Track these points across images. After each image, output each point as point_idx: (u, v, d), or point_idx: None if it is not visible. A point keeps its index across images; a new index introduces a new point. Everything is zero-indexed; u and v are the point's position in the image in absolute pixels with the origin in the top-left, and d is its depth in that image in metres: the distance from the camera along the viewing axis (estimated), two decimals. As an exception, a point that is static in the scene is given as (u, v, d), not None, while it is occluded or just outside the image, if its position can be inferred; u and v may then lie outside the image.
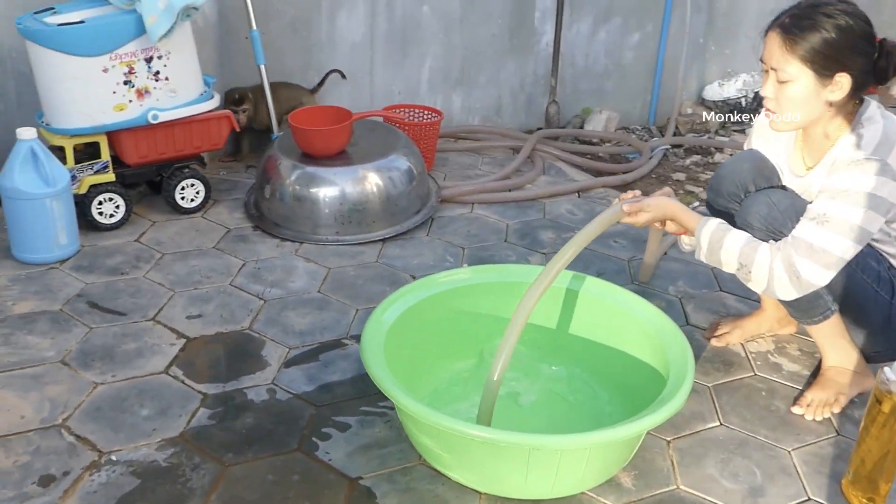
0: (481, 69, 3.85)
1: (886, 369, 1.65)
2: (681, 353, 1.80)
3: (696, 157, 3.83)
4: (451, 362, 2.06)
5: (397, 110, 3.37)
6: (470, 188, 3.16)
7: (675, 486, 1.77)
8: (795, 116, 1.86)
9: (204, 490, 1.69)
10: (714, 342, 2.28)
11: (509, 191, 3.22)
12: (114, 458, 1.76)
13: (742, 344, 2.29)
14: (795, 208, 1.88)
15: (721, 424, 1.97)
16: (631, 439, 1.66)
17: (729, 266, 1.87)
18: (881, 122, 1.83)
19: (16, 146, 2.47)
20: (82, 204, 2.70)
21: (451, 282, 2.02)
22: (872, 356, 2.07)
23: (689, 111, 4.18)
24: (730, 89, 4.33)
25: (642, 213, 1.91)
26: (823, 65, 1.78)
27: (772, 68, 1.84)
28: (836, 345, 2.05)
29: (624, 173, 3.46)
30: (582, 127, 4.01)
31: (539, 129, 3.95)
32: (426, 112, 3.40)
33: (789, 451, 1.89)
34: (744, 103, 4.22)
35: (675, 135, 4.03)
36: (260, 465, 1.77)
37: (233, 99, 3.22)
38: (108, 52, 2.57)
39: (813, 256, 1.77)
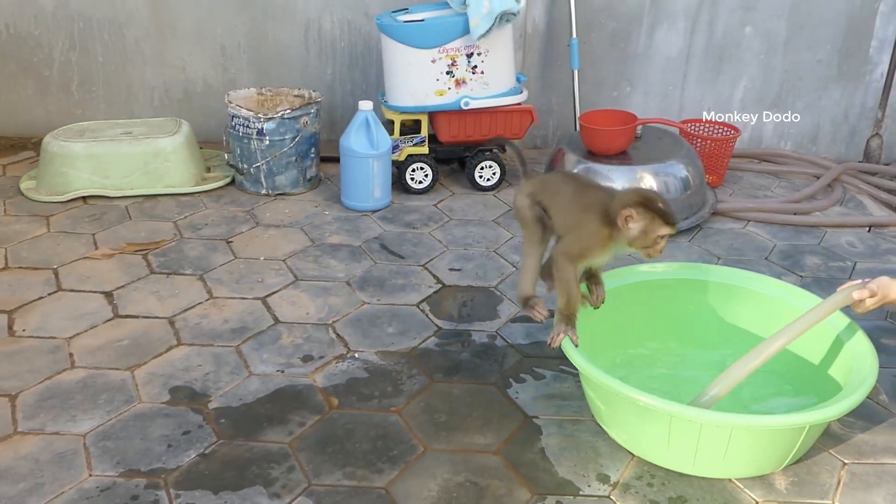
0: (800, 94, 3.80)
1: None
2: (869, 369, 1.81)
3: None
4: (633, 345, 2.23)
5: (691, 124, 3.50)
6: (746, 205, 3.20)
7: (829, 502, 1.79)
8: None
9: (411, 393, 2.10)
10: None
11: (794, 214, 3.20)
12: (356, 355, 2.25)
13: None
14: None
15: (914, 464, 1.91)
16: (779, 434, 1.72)
17: None
18: None
19: (356, 115, 3.12)
20: (400, 169, 3.29)
21: (651, 273, 2.20)
22: None
23: None
24: None
25: (870, 299, 1.91)
26: None
27: None
28: None
29: (936, 217, 3.22)
30: (908, 166, 3.75)
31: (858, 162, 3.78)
32: (722, 128, 3.49)
33: (983, 508, 1.78)
34: None
35: None
36: (459, 387, 2.14)
37: None
38: (437, 45, 3.12)
39: None
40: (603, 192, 2.01)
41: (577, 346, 1.90)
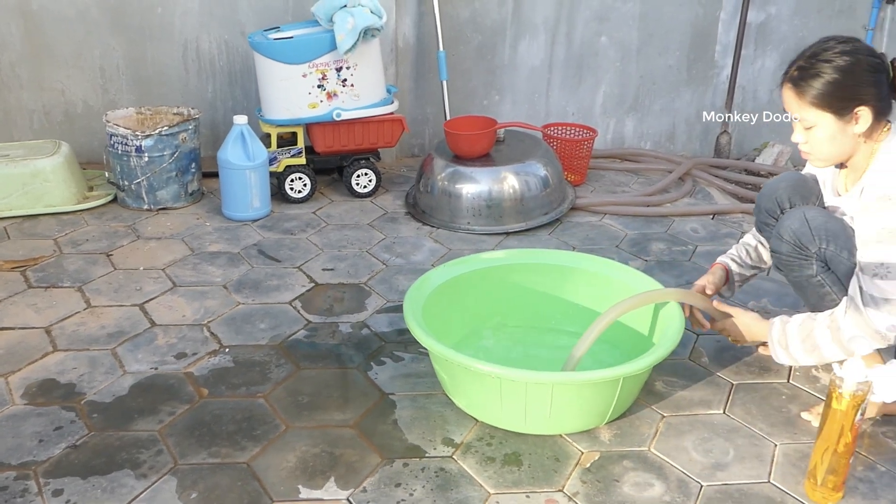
0: (656, 97, 4.14)
1: (836, 366, 1.81)
2: (675, 329, 2.08)
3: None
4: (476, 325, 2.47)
5: (553, 127, 3.79)
6: (602, 199, 3.50)
7: (645, 448, 2.04)
8: (829, 153, 2.03)
9: (277, 380, 2.28)
10: (761, 349, 2.44)
11: (646, 206, 3.51)
12: (227, 350, 2.42)
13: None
14: (827, 228, 2.05)
15: (723, 413, 2.18)
16: (596, 388, 1.97)
17: (808, 363, 2.11)
18: None
19: (232, 129, 3.29)
20: (279, 180, 3.47)
21: (491, 259, 2.46)
22: None
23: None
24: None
25: (721, 323, 2.27)
26: (838, 105, 1.94)
27: (795, 118, 2.02)
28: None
29: (773, 203, 3.57)
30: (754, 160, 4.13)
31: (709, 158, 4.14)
32: (580, 130, 3.79)
33: (776, 444, 2.06)
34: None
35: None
36: (324, 372, 2.32)
37: None
38: (307, 61, 3.32)
39: (885, 307, 1.91)
40: None
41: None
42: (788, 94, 2.01)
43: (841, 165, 2.14)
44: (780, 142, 4.10)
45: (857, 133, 1.98)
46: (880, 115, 1.99)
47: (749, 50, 4.06)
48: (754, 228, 2.41)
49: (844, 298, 2.01)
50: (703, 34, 4.06)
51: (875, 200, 1.93)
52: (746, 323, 2.23)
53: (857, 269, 1.98)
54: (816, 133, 2.00)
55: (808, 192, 2.23)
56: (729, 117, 4.09)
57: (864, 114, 1.96)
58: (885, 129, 2.02)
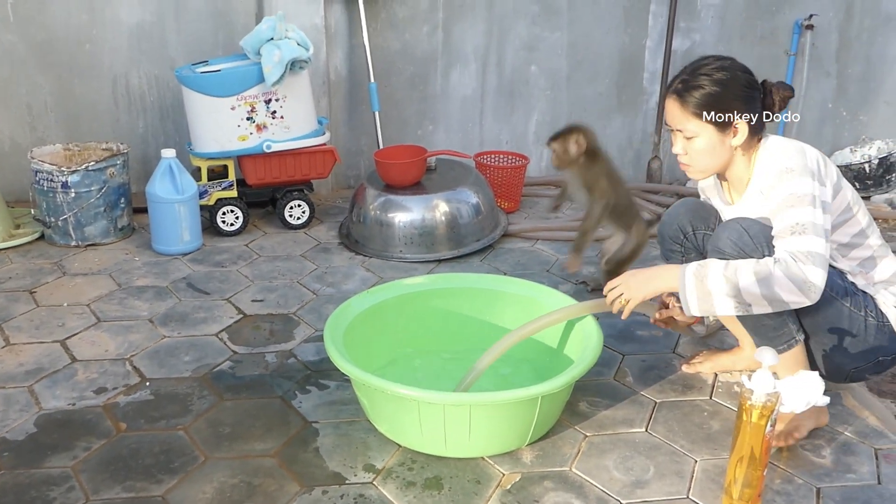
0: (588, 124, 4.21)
1: (744, 377, 1.85)
2: (593, 347, 2.11)
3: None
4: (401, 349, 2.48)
5: (485, 156, 3.84)
6: (535, 225, 3.54)
7: (567, 468, 2.05)
8: (708, 164, 2.11)
9: (199, 412, 2.25)
10: (685, 368, 2.48)
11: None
12: (148, 383, 2.39)
13: (716, 374, 2.47)
14: (764, 233, 2.04)
15: (645, 431, 2.21)
16: (514, 407, 1.98)
17: (725, 307, 1.97)
18: (786, 141, 2.08)
19: (160, 162, 3.27)
20: (211, 213, 3.46)
21: (413, 285, 2.49)
22: (852, 373, 2.17)
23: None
24: (862, 155, 4.32)
25: (624, 297, 2.11)
26: (717, 116, 2.03)
27: (678, 129, 2.10)
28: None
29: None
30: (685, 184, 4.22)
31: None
32: (513, 157, 3.84)
33: (696, 461, 2.09)
34: (868, 169, 4.19)
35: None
36: (247, 402, 2.31)
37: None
38: (235, 93, 3.33)
39: (813, 261, 1.91)
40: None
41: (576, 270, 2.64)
42: (672, 106, 2.09)
43: (720, 177, 2.23)
44: (708, 165, 4.20)
45: (734, 145, 2.07)
46: (755, 130, 2.08)
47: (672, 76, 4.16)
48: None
49: (768, 258, 1.96)
50: (630, 62, 4.16)
51: (776, 176, 2.01)
52: (645, 272, 2.12)
53: (774, 245, 1.98)
54: (696, 144, 2.07)
55: (708, 213, 2.31)
56: (659, 143, 4.19)
57: (742, 126, 2.05)
58: (758, 143, 2.11)
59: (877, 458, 2.11)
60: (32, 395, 2.31)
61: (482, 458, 2.07)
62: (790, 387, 1.91)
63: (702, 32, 4.13)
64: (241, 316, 2.81)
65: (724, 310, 1.98)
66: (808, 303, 1.94)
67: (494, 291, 2.50)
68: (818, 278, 1.91)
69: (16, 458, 2.04)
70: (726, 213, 2.25)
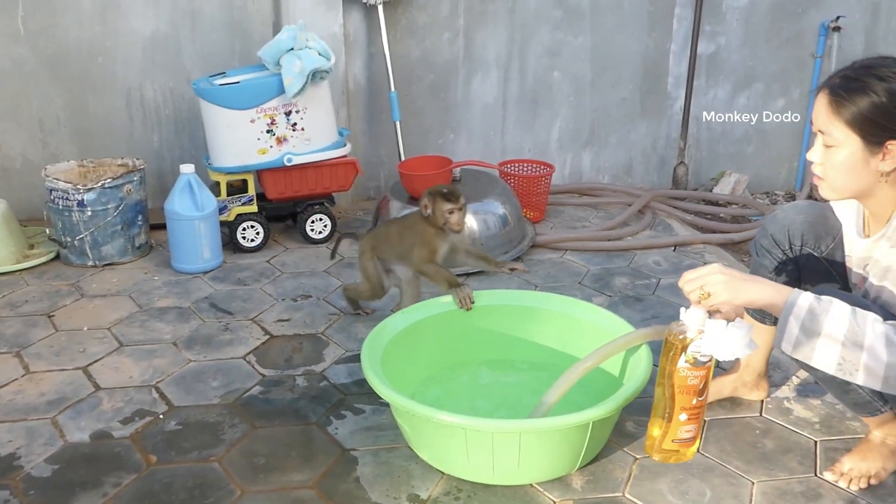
0: (612, 130, 4.14)
1: (683, 310, 1.68)
2: (644, 365, 2.02)
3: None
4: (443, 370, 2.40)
5: (508, 165, 3.76)
6: (562, 236, 3.46)
7: (619, 494, 1.97)
8: (843, 184, 1.75)
9: (231, 442, 2.17)
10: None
11: (607, 241, 3.47)
12: (177, 411, 2.30)
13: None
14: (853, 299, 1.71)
15: (697, 452, 2.12)
16: (565, 433, 1.89)
17: (828, 360, 1.64)
18: None
19: (178, 178, 3.20)
20: (231, 229, 3.38)
21: (450, 303, 2.40)
22: None
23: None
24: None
25: (707, 289, 1.68)
26: (872, 132, 1.67)
27: (819, 131, 1.75)
28: (884, 418, 1.98)
29: (735, 233, 3.57)
30: (712, 190, 4.14)
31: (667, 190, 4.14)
32: (538, 166, 3.76)
33: (753, 482, 2.00)
34: None
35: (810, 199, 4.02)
36: (281, 430, 2.22)
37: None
38: (254, 106, 3.25)
39: None
40: (414, 211, 2.65)
41: (472, 302, 2.38)
42: (821, 103, 1.73)
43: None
44: (736, 170, 4.12)
45: (880, 171, 1.71)
46: None
47: (701, 81, 4.09)
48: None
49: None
50: (654, 66, 4.08)
51: None
52: (744, 275, 1.72)
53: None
54: (835, 155, 1.72)
55: (826, 231, 2.01)
56: (684, 148, 4.11)
57: None
58: None
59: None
60: (56, 426, 2.23)
61: (531, 484, 1.99)
62: (716, 331, 1.65)
63: (727, 35, 4.05)
64: (268, 337, 2.72)
65: (824, 363, 1.65)
66: None
67: (533, 308, 2.41)
68: None
69: (42, 497, 1.96)
70: (854, 245, 1.93)
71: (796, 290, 1.69)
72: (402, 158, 3.74)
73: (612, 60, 4.04)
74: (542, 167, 3.76)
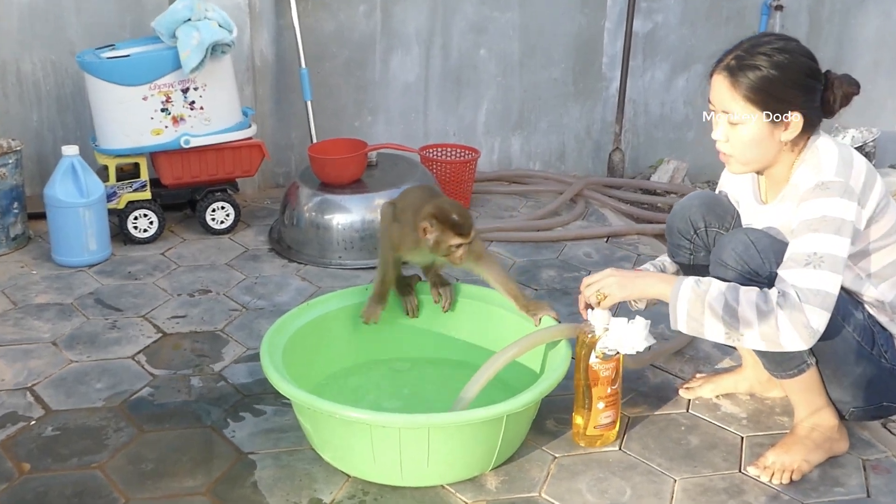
0: (543, 114, 4.26)
1: (589, 311, 2.07)
2: (562, 358, 2.12)
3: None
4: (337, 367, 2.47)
5: (431, 150, 3.84)
6: (488, 225, 3.55)
7: (536, 494, 2.06)
8: (751, 157, 2.03)
9: (116, 447, 2.19)
10: (683, 393, 2.46)
11: (538, 231, 3.58)
12: (55, 416, 2.31)
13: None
14: (774, 248, 2.00)
15: (618, 450, 2.22)
16: (478, 428, 1.97)
17: (715, 331, 1.94)
18: (836, 148, 2.01)
19: (60, 161, 3.18)
20: (121, 218, 3.37)
21: (357, 294, 2.49)
22: (853, 413, 2.17)
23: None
24: (836, 145, 4.44)
25: (603, 292, 2.09)
26: (771, 105, 1.95)
27: (722, 111, 2.01)
28: (810, 402, 2.14)
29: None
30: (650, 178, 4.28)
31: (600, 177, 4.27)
32: (462, 151, 3.85)
33: (675, 480, 2.11)
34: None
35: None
36: (172, 434, 2.25)
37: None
38: (148, 82, 3.25)
39: (821, 302, 1.87)
40: (424, 201, 2.32)
41: (376, 322, 2.38)
42: (720, 84, 1.99)
43: (757, 172, 2.14)
44: (675, 158, 4.27)
45: (783, 140, 2.00)
46: (809, 126, 2.00)
47: (637, 61, 4.24)
48: (666, 254, 2.39)
49: (773, 291, 1.92)
50: (588, 45, 4.21)
51: (811, 189, 1.96)
52: (633, 272, 2.17)
53: (783, 266, 1.95)
54: (741, 132, 2.00)
55: (724, 210, 2.26)
56: (620, 133, 4.24)
57: (796, 120, 1.97)
58: (806, 141, 2.03)
59: (865, 470, 2.17)
60: (-83, 433, 2.22)
61: (442, 486, 2.06)
62: (618, 328, 2.10)
63: (665, 13, 4.21)
64: (161, 335, 2.74)
65: (713, 334, 1.96)
66: (803, 347, 1.91)
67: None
68: (820, 323, 1.88)
69: None
70: (756, 214, 2.18)
71: (679, 277, 2.03)
72: (314, 141, 3.78)
73: (543, 38, 4.15)
74: (468, 152, 3.84)
